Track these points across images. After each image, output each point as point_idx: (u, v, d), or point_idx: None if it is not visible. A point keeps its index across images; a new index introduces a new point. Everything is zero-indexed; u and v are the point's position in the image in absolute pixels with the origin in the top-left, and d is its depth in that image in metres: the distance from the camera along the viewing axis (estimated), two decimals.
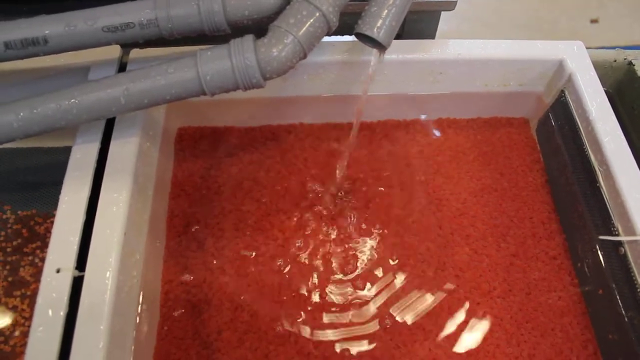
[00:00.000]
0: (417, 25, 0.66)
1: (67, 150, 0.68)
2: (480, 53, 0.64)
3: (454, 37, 0.68)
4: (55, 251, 0.49)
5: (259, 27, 0.51)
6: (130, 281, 0.51)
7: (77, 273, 0.48)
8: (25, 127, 0.49)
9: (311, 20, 0.48)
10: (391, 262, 0.60)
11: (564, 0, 1.01)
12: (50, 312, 0.46)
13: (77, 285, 0.48)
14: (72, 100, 0.48)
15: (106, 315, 0.46)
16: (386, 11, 0.50)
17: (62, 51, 0.52)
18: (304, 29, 0.48)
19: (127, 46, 0.62)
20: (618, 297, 0.54)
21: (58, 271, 0.48)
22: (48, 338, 0.45)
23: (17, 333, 0.59)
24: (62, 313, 0.46)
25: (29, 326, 0.59)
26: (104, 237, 0.50)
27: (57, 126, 0.50)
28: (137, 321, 0.52)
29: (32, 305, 0.60)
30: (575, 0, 1.02)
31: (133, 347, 0.51)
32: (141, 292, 0.53)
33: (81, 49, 0.52)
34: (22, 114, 0.49)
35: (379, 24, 0.50)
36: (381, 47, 0.51)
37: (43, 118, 0.49)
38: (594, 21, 0.97)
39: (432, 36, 0.69)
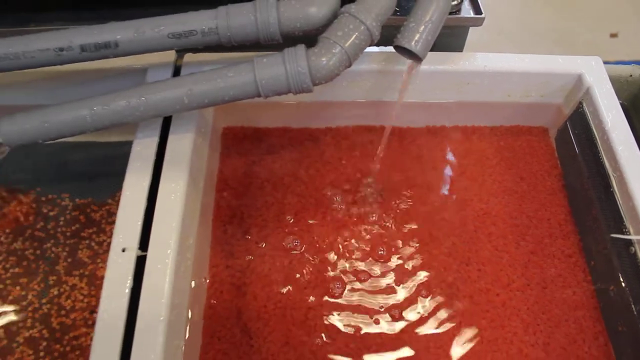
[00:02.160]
0: (448, 39, 0.71)
1: (120, 145, 0.74)
2: (505, 66, 0.69)
3: (477, 47, 0.73)
4: (121, 233, 0.55)
5: (308, 37, 0.56)
6: (185, 263, 0.57)
7: (140, 252, 0.54)
8: (97, 122, 0.55)
9: (356, 33, 0.53)
10: (419, 256, 0.66)
11: (584, 14, 1.05)
12: (117, 286, 0.52)
13: (140, 263, 0.54)
14: (141, 99, 0.54)
15: (167, 290, 0.52)
16: (423, 27, 0.55)
17: (130, 54, 0.57)
18: (350, 40, 0.53)
19: (181, 51, 0.68)
20: (628, 293, 0.59)
21: (123, 250, 0.54)
22: (116, 309, 0.51)
23: (77, 308, 0.65)
24: (128, 287, 0.52)
25: (87, 302, 0.65)
26: (164, 221, 0.55)
27: (124, 121, 0.56)
28: (190, 300, 0.58)
29: (89, 283, 0.66)
30: (596, 13, 1.05)
31: (187, 324, 0.57)
32: (192, 274, 0.59)
33: (147, 53, 0.58)
34: (95, 109, 0.54)
35: (416, 38, 0.55)
36: (417, 58, 0.57)
37: (113, 114, 0.55)
38: (613, 35, 1.00)
39: (460, 49, 0.74)
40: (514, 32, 1.03)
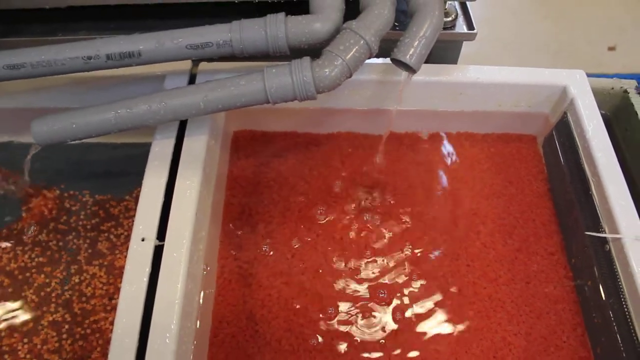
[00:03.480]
0: (442, 52, 0.76)
1: (136, 146, 0.80)
2: (496, 78, 0.74)
3: (476, 58, 0.78)
4: (140, 224, 0.60)
5: (313, 50, 0.62)
6: (197, 253, 0.62)
7: (157, 242, 0.60)
8: (121, 123, 0.60)
9: (357, 47, 0.59)
10: (413, 250, 0.71)
11: (583, 27, 1.08)
12: (137, 271, 0.57)
13: (157, 252, 0.59)
14: (161, 103, 0.60)
15: (182, 276, 0.57)
16: (417, 42, 0.61)
17: (151, 63, 0.63)
18: (351, 54, 0.58)
19: (197, 60, 0.74)
20: (602, 287, 0.64)
21: (143, 240, 0.59)
22: (136, 292, 0.56)
23: (96, 295, 0.70)
24: (147, 273, 0.57)
25: (106, 290, 0.70)
26: (180, 215, 0.60)
27: (145, 124, 0.61)
28: (201, 287, 0.63)
29: (108, 272, 0.71)
30: (594, 27, 1.08)
31: (199, 309, 0.62)
32: (204, 263, 0.64)
33: (166, 62, 0.64)
34: (119, 112, 0.60)
35: (411, 52, 0.61)
36: (412, 70, 0.62)
37: (136, 116, 0.60)
38: (611, 49, 1.05)
39: (454, 61, 0.79)
40: (513, 44, 1.06)
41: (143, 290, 0.57)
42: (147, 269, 0.58)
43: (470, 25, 0.74)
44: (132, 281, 0.57)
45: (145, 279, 0.57)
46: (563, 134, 0.74)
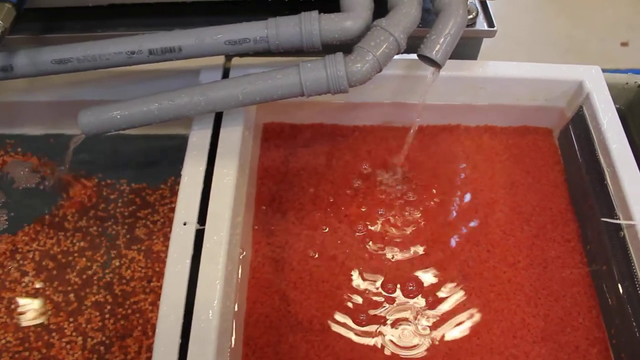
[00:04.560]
0: (464, 48, 0.79)
1: (170, 138, 0.84)
2: (515, 73, 0.77)
3: (491, 53, 0.81)
4: (182, 209, 0.64)
5: (344, 46, 0.65)
6: (235, 237, 0.66)
7: (198, 226, 0.63)
8: (163, 114, 0.64)
9: (386, 44, 0.62)
10: (436, 236, 0.74)
11: (595, 23, 1.10)
12: (180, 253, 0.61)
13: (198, 236, 0.63)
14: (203, 96, 0.63)
15: (222, 257, 0.61)
16: (443, 38, 0.64)
17: (190, 57, 0.67)
18: (381, 50, 0.62)
19: (228, 55, 0.77)
20: (617, 271, 0.68)
21: (185, 224, 0.63)
22: (179, 273, 0.60)
23: (135, 277, 0.74)
24: (189, 255, 0.61)
25: (144, 273, 0.74)
26: (219, 200, 0.64)
27: (185, 115, 0.65)
28: (238, 269, 0.67)
29: (146, 257, 0.75)
30: (606, 22, 1.11)
31: (236, 289, 0.66)
32: (240, 247, 0.68)
33: (204, 57, 0.67)
34: (162, 103, 0.64)
35: (437, 48, 0.64)
36: (437, 66, 0.66)
37: (177, 108, 0.64)
38: (624, 44, 1.07)
39: (475, 57, 0.82)
40: (527, 40, 1.09)
41: (186, 271, 0.60)
42: (190, 251, 0.61)
43: (490, 23, 0.77)
44: (176, 262, 0.61)
45: (188, 261, 0.61)
46: (579, 126, 0.77)
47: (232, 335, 0.63)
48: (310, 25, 0.63)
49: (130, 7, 0.74)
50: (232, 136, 0.70)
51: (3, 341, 0.69)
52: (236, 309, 0.65)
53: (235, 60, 0.76)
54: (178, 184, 0.78)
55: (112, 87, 0.79)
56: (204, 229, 0.63)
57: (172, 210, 0.77)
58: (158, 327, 0.58)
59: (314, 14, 0.64)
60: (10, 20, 0.64)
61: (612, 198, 0.69)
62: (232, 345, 0.63)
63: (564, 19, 1.14)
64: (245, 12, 0.73)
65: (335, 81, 0.62)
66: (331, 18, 0.64)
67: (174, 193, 0.80)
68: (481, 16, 0.78)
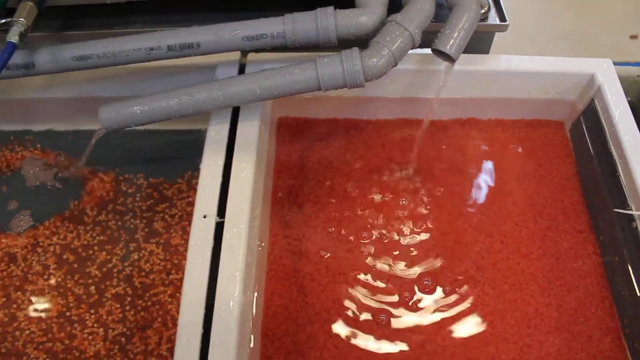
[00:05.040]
0: (476, 43, 0.80)
1: (186, 133, 0.85)
2: (526, 67, 0.78)
3: (498, 47, 0.82)
4: (202, 202, 0.65)
5: (359, 41, 0.66)
6: (254, 229, 0.67)
7: (218, 219, 0.65)
8: (182, 109, 0.65)
9: (402, 38, 0.63)
10: (450, 227, 0.76)
11: (605, 16, 1.10)
12: (201, 246, 0.62)
13: (218, 228, 0.64)
14: (221, 91, 0.65)
15: (242, 249, 0.62)
16: (457, 33, 0.65)
17: (209, 53, 0.68)
18: (397, 44, 0.63)
19: (244, 51, 0.79)
20: (629, 261, 0.69)
21: (204, 217, 0.64)
22: (200, 265, 0.61)
23: (154, 270, 0.76)
24: (209, 247, 0.62)
25: (163, 265, 0.75)
26: (238, 193, 0.65)
27: (204, 109, 0.66)
28: (257, 261, 0.68)
29: (164, 250, 0.76)
30: (616, 16, 1.10)
31: (255, 281, 0.67)
32: (258, 239, 0.70)
33: (222, 52, 0.69)
34: (181, 99, 0.65)
35: (451, 43, 0.65)
36: (451, 60, 0.67)
37: (196, 103, 0.65)
38: (633, 37, 1.07)
39: (487, 51, 0.83)
40: (536, 34, 1.09)
41: (207, 263, 0.61)
42: (210, 243, 0.63)
43: (502, 17, 0.78)
44: (197, 254, 0.62)
45: (208, 253, 0.62)
46: (590, 119, 0.78)
47: (251, 325, 0.64)
48: (327, 20, 0.64)
49: (146, 4, 0.76)
50: (250, 130, 0.71)
51: (27, 332, 0.70)
52: (255, 300, 0.66)
53: (251, 56, 0.77)
54: (195, 178, 0.81)
55: (127, 84, 0.80)
56: (223, 222, 0.64)
57: (190, 204, 0.79)
58: (180, 317, 0.59)
59: (330, 9, 0.65)
60: (33, 18, 0.65)
61: (625, 189, 0.70)
62: (252, 335, 0.64)
63: (573, 12, 1.14)
64: (257, 7, 0.74)
65: (351, 75, 0.63)
66: (346, 14, 0.65)
67: (191, 187, 0.81)
68: (493, 10, 0.79)
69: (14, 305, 0.72)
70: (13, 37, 0.62)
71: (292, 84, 0.64)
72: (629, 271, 0.68)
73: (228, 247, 0.62)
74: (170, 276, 0.75)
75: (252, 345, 0.64)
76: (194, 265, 0.61)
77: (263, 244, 0.71)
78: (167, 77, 0.79)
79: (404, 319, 0.69)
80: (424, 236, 0.75)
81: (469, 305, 0.70)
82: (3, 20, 0.74)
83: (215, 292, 0.60)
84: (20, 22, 0.63)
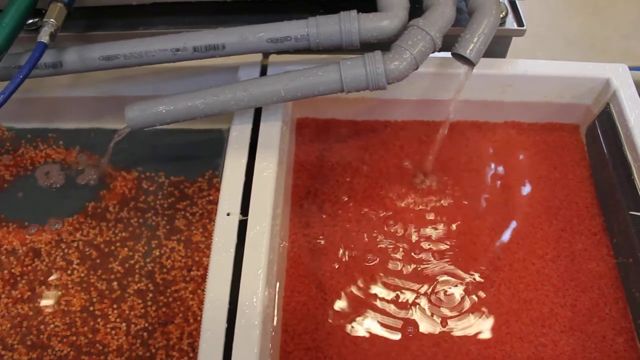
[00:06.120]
0: (493, 47, 0.81)
1: (207, 132, 0.87)
2: (543, 71, 0.79)
3: (516, 51, 0.84)
4: (225, 200, 0.67)
5: (380, 44, 0.67)
6: (275, 227, 0.68)
7: (241, 217, 0.66)
8: (207, 109, 0.67)
9: (423, 42, 0.65)
10: (467, 228, 0.77)
11: (616, 20, 1.11)
12: (224, 243, 0.64)
13: (241, 226, 0.66)
14: (246, 92, 0.66)
15: (265, 246, 0.64)
16: (477, 38, 0.67)
17: (233, 55, 0.69)
18: (418, 48, 0.64)
19: (267, 53, 0.80)
20: None
21: (228, 214, 0.66)
22: (224, 261, 0.63)
23: (176, 267, 0.77)
24: (233, 244, 0.64)
25: (184, 262, 0.77)
26: (261, 192, 0.67)
27: (228, 110, 0.68)
28: (279, 259, 0.70)
29: (186, 247, 0.78)
30: (629, 20, 1.11)
31: (277, 277, 0.68)
32: (280, 238, 0.71)
33: (246, 54, 0.70)
34: (206, 99, 0.67)
35: (471, 47, 0.67)
36: (471, 64, 0.68)
37: (221, 103, 0.67)
38: None
39: (504, 55, 0.84)
40: (552, 39, 1.10)
41: (231, 259, 0.63)
42: (234, 240, 0.64)
43: (519, 22, 0.80)
44: (221, 251, 0.63)
45: (232, 250, 0.63)
46: (605, 123, 0.79)
47: (273, 321, 0.66)
48: (350, 24, 0.66)
49: (171, 6, 0.77)
50: (272, 131, 0.72)
51: (52, 326, 0.72)
52: (276, 296, 0.68)
53: (273, 58, 0.79)
54: (215, 177, 0.82)
55: (151, 83, 0.82)
56: (246, 220, 0.65)
57: (210, 202, 0.81)
58: (205, 313, 0.60)
59: (353, 13, 0.66)
60: (62, 19, 0.67)
61: (639, 192, 0.71)
62: (273, 331, 0.66)
63: (587, 16, 1.15)
64: (279, 10, 0.76)
65: (374, 78, 0.64)
66: (369, 17, 0.66)
67: (212, 186, 0.82)
68: (510, 15, 0.80)
69: (39, 300, 0.74)
70: (44, 37, 0.64)
71: (316, 86, 0.65)
72: None
73: (251, 245, 0.64)
74: (192, 273, 0.76)
75: (273, 340, 0.65)
76: (218, 262, 0.63)
77: (284, 243, 0.73)
78: (189, 78, 0.81)
79: (421, 318, 0.71)
80: (441, 236, 0.76)
81: (485, 304, 0.71)
82: (31, 21, 0.76)
83: (239, 288, 0.61)
84: (51, 22, 0.65)
